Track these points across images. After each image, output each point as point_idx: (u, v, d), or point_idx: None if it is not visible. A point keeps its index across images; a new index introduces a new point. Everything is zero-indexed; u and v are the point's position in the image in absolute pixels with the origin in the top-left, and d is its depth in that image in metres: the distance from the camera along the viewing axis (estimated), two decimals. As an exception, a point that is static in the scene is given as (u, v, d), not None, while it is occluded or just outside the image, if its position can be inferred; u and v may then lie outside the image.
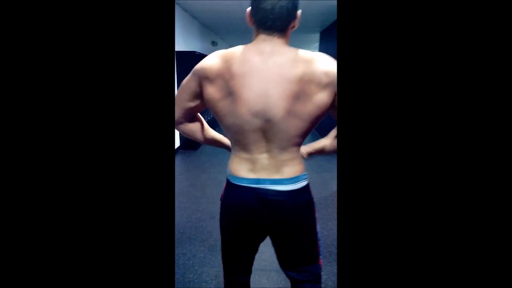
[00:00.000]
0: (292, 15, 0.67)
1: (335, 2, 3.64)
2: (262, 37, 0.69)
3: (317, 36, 6.27)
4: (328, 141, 0.85)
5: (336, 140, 0.83)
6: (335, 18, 4.54)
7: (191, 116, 0.83)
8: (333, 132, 0.84)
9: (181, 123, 0.82)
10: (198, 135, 0.87)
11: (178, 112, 0.79)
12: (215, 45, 6.41)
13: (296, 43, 7.84)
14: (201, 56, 4.35)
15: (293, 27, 0.70)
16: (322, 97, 0.67)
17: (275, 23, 0.66)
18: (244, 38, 7.13)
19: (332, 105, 0.70)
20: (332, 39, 5.00)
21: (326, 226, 2.01)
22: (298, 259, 0.82)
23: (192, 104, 0.77)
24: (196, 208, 2.29)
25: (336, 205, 2.39)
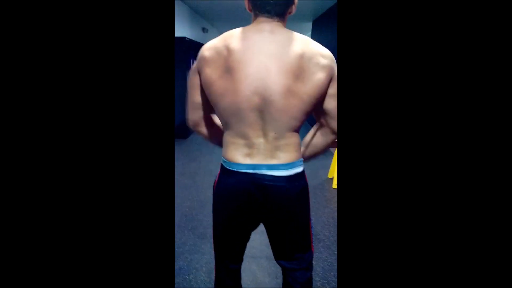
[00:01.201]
0: (290, 1, 0.69)
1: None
2: (261, 19, 0.70)
3: (309, 25, 6.18)
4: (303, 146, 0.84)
5: (308, 149, 0.83)
6: (329, 5, 4.46)
7: (206, 115, 0.80)
8: (307, 138, 0.84)
9: (198, 124, 0.80)
10: (217, 141, 0.84)
11: (192, 112, 0.77)
12: (205, 32, 6.27)
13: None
14: (191, 42, 4.24)
15: (290, 12, 0.72)
16: (320, 77, 0.67)
17: (274, 7, 0.68)
18: (235, 25, 6.98)
19: (328, 91, 0.70)
20: (325, 29, 4.93)
21: (315, 214, 2.04)
22: (292, 246, 0.83)
23: (204, 98, 0.76)
24: (186, 197, 2.28)
25: (325, 194, 2.43)
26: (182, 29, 4.58)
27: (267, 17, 0.69)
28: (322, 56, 0.67)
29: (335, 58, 0.69)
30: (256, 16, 0.71)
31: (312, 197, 2.65)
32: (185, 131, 4.10)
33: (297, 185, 0.75)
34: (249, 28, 0.70)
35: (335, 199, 2.33)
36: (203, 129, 0.82)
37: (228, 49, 0.67)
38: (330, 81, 0.69)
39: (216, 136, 0.84)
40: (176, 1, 4.20)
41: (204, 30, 6.14)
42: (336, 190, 2.50)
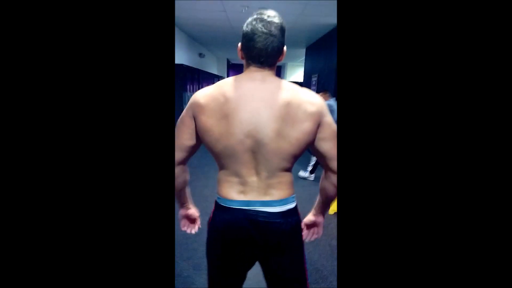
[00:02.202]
0: (280, 52, 0.75)
1: (322, 20, 3.77)
2: (253, 69, 0.75)
3: (302, 51, 6.45)
4: (318, 202, 0.88)
5: (320, 197, 0.87)
6: (321, 35, 4.71)
7: (189, 156, 0.82)
8: (316, 205, 0.89)
9: (182, 163, 0.81)
10: (180, 184, 0.85)
11: (178, 153, 0.78)
12: (202, 57, 6.44)
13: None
14: (189, 69, 4.35)
15: (280, 60, 0.78)
16: (308, 125, 0.72)
17: (267, 59, 0.74)
18: (231, 50, 7.20)
19: (318, 136, 0.74)
20: (317, 55, 5.18)
21: (312, 243, 2.00)
22: (288, 283, 0.82)
23: (191, 142, 0.78)
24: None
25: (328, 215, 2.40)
26: (179, 56, 4.71)
27: (259, 67, 0.74)
28: (310, 104, 0.72)
29: (335, 77, 0.73)
30: (248, 65, 0.76)
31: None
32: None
33: (290, 220, 0.77)
34: (242, 77, 0.75)
35: (331, 225, 2.30)
36: (179, 170, 0.82)
37: (225, 97, 0.71)
38: (318, 126, 0.73)
39: (183, 180, 0.85)
40: (174, 29, 4.35)
41: (201, 55, 6.31)
42: (332, 216, 2.48)
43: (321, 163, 0.81)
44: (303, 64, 6.54)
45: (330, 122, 0.74)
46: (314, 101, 0.73)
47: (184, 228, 0.96)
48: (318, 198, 0.87)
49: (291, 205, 0.78)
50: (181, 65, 4.04)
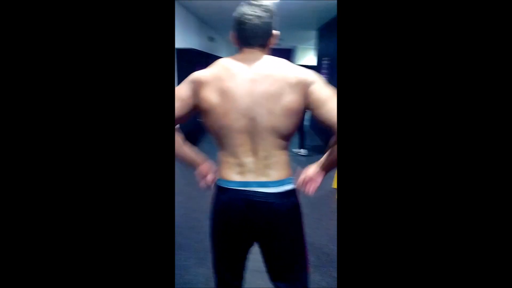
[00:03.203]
0: (269, 34, 0.80)
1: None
2: (246, 50, 0.81)
3: (313, 34, 6.21)
4: (324, 158, 0.84)
5: (329, 153, 0.83)
6: (332, 16, 4.49)
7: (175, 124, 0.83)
8: (327, 152, 0.85)
9: None
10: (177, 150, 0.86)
11: None
12: (211, 41, 6.36)
13: (293, 40, 7.80)
14: (200, 53, 4.31)
15: (271, 43, 0.82)
16: (291, 98, 0.75)
17: (255, 40, 0.79)
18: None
19: (308, 105, 0.76)
20: (329, 36, 4.94)
21: (321, 227, 2.04)
22: (286, 266, 0.84)
23: (181, 113, 0.79)
24: (192, 208, 2.31)
25: (331, 205, 2.42)
26: (190, 40, 4.67)
27: (250, 48, 0.80)
28: (293, 76, 0.75)
29: (336, 62, 0.72)
30: (241, 48, 0.81)
31: (316, 209, 2.62)
32: (193, 140, 4.13)
33: (287, 202, 0.79)
34: (236, 58, 0.80)
35: (341, 210, 2.32)
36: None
37: (221, 78, 0.76)
38: (306, 96, 0.75)
39: (178, 147, 0.86)
40: (184, 12, 4.29)
41: (210, 39, 6.23)
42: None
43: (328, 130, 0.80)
44: (314, 47, 6.29)
45: (319, 88, 0.75)
46: (297, 72, 0.76)
47: (201, 185, 0.92)
48: (325, 156, 0.84)
49: (288, 187, 0.80)
50: (192, 49, 4.01)
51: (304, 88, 0.75)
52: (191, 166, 0.91)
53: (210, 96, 0.76)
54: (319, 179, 0.85)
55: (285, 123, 0.76)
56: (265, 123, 0.75)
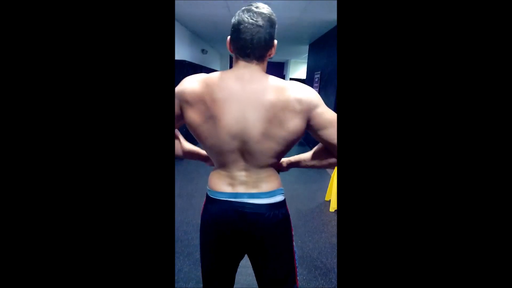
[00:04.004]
0: (269, 45, 0.72)
1: (325, 17, 3.74)
2: (241, 63, 0.73)
3: (306, 48, 6.41)
4: (305, 156, 0.88)
5: (312, 157, 0.86)
6: (323, 32, 4.69)
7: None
8: (313, 150, 0.87)
9: None
10: (176, 151, 0.87)
11: None
12: (205, 53, 6.42)
13: (286, 54, 7.96)
14: (191, 65, 4.34)
15: (270, 55, 0.75)
16: (295, 123, 0.71)
17: (253, 51, 0.71)
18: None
19: (314, 128, 0.74)
20: (320, 52, 5.14)
21: (312, 239, 2.02)
22: (276, 279, 0.83)
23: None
24: (182, 220, 2.26)
25: (322, 217, 2.41)
26: (182, 52, 4.70)
27: (247, 61, 0.72)
28: (298, 102, 0.69)
29: (336, 74, 0.72)
30: (236, 58, 0.74)
31: (309, 221, 2.61)
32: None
33: (277, 213, 0.78)
34: (230, 74, 0.72)
35: (332, 222, 2.31)
36: None
37: (211, 98, 0.70)
38: (308, 120, 0.72)
39: (177, 149, 0.87)
40: (177, 26, 4.34)
41: (203, 51, 6.30)
42: (332, 214, 2.49)
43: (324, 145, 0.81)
44: (306, 60, 6.50)
45: (322, 112, 0.72)
46: (301, 98, 0.70)
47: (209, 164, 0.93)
48: (305, 155, 0.87)
49: (279, 198, 0.79)
50: (183, 61, 4.03)
51: (307, 113, 0.71)
52: (198, 159, 0.94)
53: (197, 119, 0.72)
54: (287, 167, 0.91)
55: (283, 146, 0.73)
56: (260, 146, 0.72)
